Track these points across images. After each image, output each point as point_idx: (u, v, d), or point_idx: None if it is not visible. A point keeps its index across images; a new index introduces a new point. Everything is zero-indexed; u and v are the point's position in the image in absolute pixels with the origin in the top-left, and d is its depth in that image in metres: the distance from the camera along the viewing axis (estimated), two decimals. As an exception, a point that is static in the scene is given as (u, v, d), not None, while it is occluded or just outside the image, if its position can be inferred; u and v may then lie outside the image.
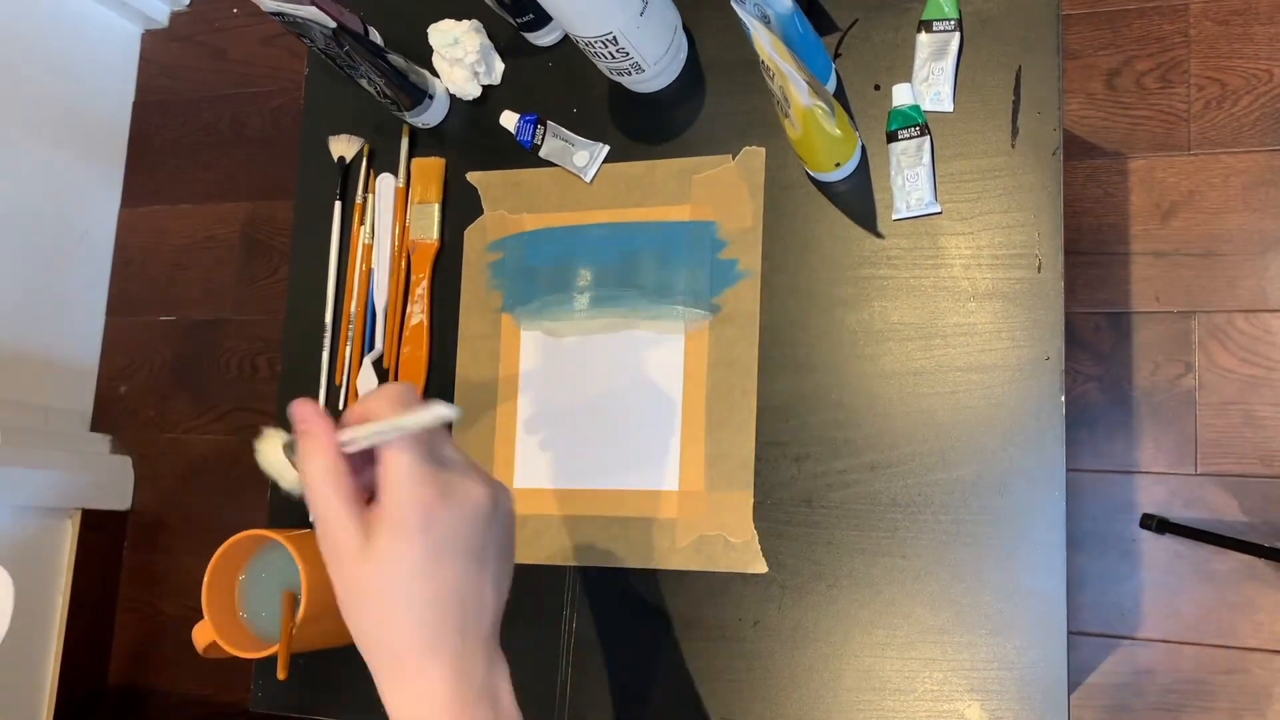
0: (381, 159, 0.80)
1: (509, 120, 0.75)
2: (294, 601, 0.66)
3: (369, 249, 0.78)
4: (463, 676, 0.47)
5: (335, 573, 0.48)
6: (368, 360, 0.76)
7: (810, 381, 0.67)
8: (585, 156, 0.74)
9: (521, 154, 0.76)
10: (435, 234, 0.77)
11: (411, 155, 0.79)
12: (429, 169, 0.78)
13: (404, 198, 0.78)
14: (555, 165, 0.75)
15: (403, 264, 0.77)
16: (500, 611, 0.50)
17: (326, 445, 0.47)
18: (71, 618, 1.67)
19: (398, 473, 0.46)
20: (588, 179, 0.73)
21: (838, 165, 0.66)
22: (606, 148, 0.74)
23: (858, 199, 0.68)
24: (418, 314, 0.76)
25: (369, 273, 0.78)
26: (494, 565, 0.49)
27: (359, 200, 0.80)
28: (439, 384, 0.75)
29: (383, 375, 0.76)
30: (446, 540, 0.47)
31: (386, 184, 0.79)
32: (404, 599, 0.47)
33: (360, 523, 0.47)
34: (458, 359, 0.75)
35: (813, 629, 0.64)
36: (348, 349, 0.78)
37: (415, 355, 0.76)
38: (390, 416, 0.47)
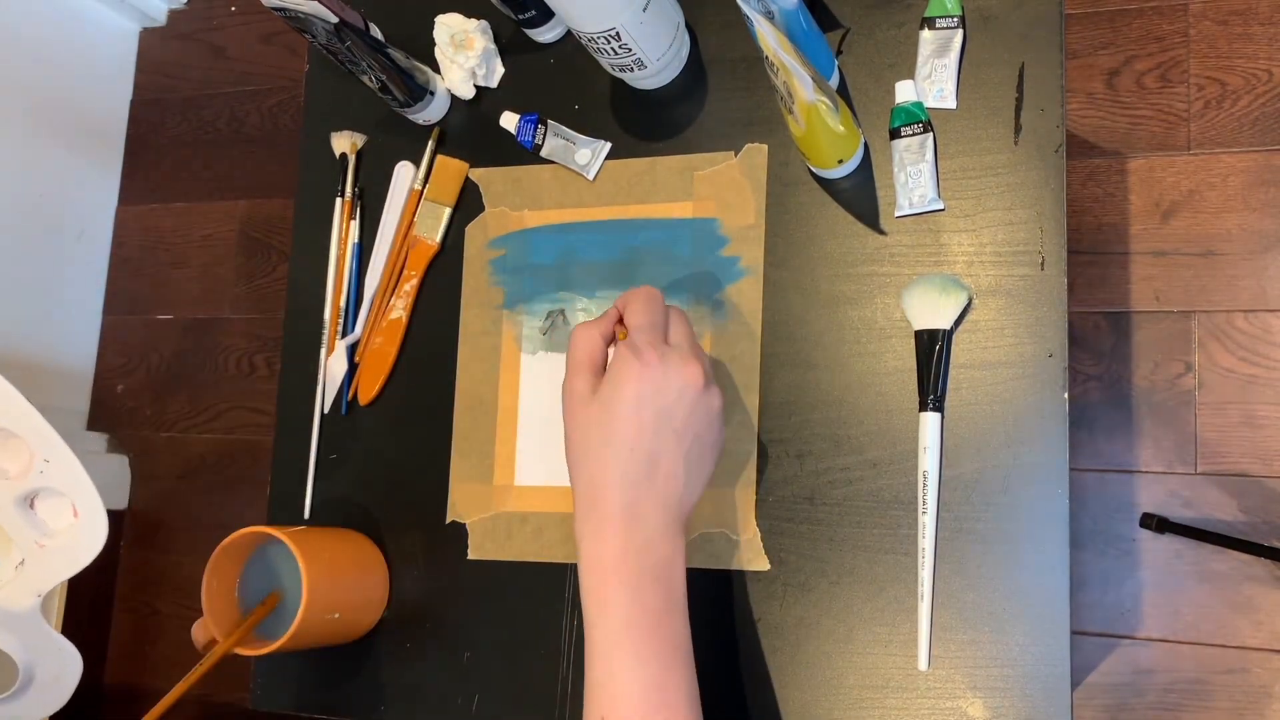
0: (382, 155, 0.80)
1: (509, 121, 0.75)
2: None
3: (345, 243, 0.78)
4: (644, 545, 0.54)
5: (568, 418, 0.57)
6: (343, 344, 0.76)
7: (812, 378, 0.67)
8: (587, 155, 0.73)
9: (523, 150, 0.75)
10: (438, 237, 0.76)
11: (435, 154, 0.78)
12: (450, 169, 0.77)
13: (418, 194, 0.78)
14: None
15: (401, 257, 0.77)
16: (692, 499, 0.57)
17: (608, 318, 0.60)
18: (68, 616, 1.67)
19: (626, 340, 0.57)
20: (590, 177, 0.73)
21: (841, 162, 0.66)
22: (608, 145, 0.73)
23: (860, 196, 0.68)
24: (398, 309, 0.76)
25: (359, 252, 0.78)
26: (691, 445, 0.56)
27: (348, 196, 0.79)
28: (440, 387, 0.75)
29: (354, 364, 0.77)
30: (647, 395, 0.55)
31: (404, 171, 0.79)
32: (610, 441, 0.55)
33: (596, 376, 0.57)
34: (458, 356, 0.75)
35: (815, 626, 0.64)
36: (329, 332, 0.78)
37: (385, 350, 0.76)
38: (645, 316, 0.57)
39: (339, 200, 0.80)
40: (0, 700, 0.61)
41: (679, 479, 0.56)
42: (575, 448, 0.57)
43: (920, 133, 0.66)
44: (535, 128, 0.74)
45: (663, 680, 0.53)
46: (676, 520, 0.56)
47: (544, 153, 0.74)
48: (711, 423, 0.58)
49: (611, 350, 0.59)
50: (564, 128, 0.74)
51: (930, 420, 0.63)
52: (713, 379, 0.58)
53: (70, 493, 0.60)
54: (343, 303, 0.78)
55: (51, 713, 0.63)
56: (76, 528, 0.61)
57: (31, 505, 0.60)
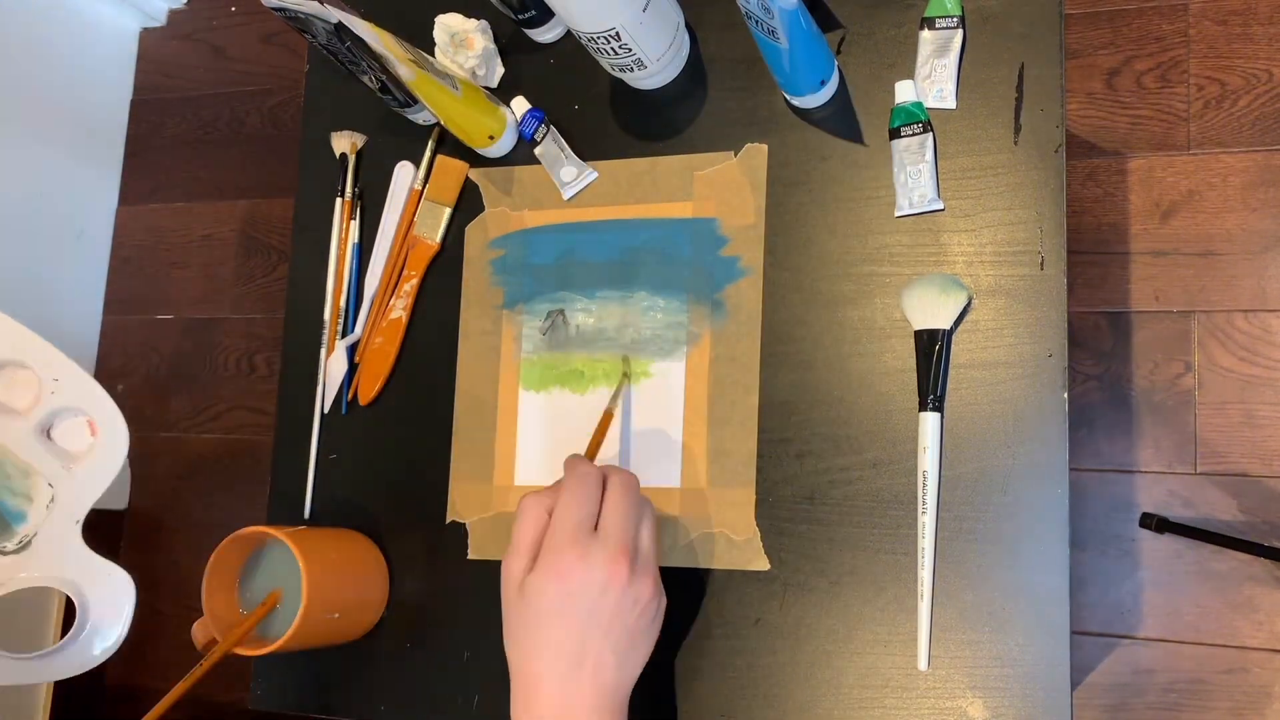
0: (382, 155, 0.80)
1: (519, 105, 0.75)
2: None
3: (345, 243, 0.78)
4: None
5: (504, 601, 0.57)
6: (343, 344, 0.76)
7: (812, 378, 0.67)
8: (572, 173, 0.73)
9: (523, 151, 0.75)
10: (438, 237, 0.76)
11: (435, 154, 0.78)
12: (451, 169, 0.77)
13: (418, 194, 0.78)
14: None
15: (401, 257, 0.77)
16: (626, 682, 0.57)
17: (555, 491, 0.59)
18: (68, 616, 1.67)
19: (548, 537, 0.56)
20: (566, 196, 0.73)
21: (492, 139, 0.73)
22: (595, 175, 0.73)
23: (860, 196, 0.68)
24: (398, 309, 0.76)
25: (359, 252, 0.78)
26: (619, 636, 0.56)
27: (348, 196, 0.79)
28: (440, 387, 0.75)
29: (354, 364, 0.77)
30: (570, 595, 0.55)
31: (404, 171, 0.79)
32: (538, 640, 0.55)
33: (529, 562, 0.56)
34: (459, 355, 0.75)
35: (814, 626, 0.64)
36: (329, 332, 0.78)
37: (385, 350, 0.76)
38: (571, 509, 0.57)
39: (339, 200, 0.80)
40: (66, 645, 0.61)
41: (610, 668, 0.56)
42: (509, 636, 0.57)
43: (920, 133, 0.66)
44: (539, 125, 0.74)
45: None
46: (612, 705, 0.56)
47: (536, 152, 0.74)
48: (643, 611, 0.57)
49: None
50: (563, 140, 0.74)
51: (930, 420, 0.63)
52: (643, 564, 0.58)
53: (85, 406, 0.60)
54: (343, 303, 0.78)
55: (117, 644, 0.63)
56: (97, 444, 0.61)
57: (49, 435, 0.61)
